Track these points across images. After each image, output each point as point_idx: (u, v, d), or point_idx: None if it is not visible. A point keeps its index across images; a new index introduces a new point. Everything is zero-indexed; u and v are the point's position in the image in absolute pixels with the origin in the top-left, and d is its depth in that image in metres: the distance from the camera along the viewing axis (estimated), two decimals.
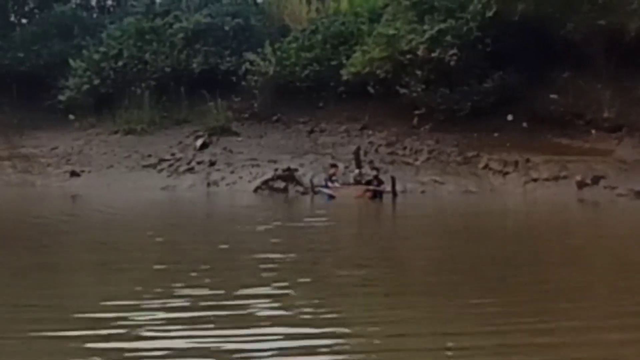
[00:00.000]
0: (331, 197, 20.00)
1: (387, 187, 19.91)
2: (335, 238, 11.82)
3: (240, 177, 22.71)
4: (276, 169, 22.08)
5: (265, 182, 21.78)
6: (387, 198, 19.49)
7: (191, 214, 16.49)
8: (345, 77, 23.62)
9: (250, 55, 25.90)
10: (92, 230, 12.84)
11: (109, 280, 7.58)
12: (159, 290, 6.71)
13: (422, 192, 20.61)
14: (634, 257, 9.19)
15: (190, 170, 23.67)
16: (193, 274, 7.53)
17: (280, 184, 21.60)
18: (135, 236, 11.79)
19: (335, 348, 4.86)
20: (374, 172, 20.16)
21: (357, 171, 20.73)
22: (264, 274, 7.53)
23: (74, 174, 24.70)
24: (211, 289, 6.72)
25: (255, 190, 21.59)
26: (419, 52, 22.27)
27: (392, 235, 12.58)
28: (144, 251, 9.70)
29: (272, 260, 8.49)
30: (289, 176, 21.70)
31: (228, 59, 26.90)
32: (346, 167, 21.58)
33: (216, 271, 7.87)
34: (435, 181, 21.05)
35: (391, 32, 23.05)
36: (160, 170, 23.94)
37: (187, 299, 6.26)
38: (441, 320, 5.70)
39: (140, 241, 10.93)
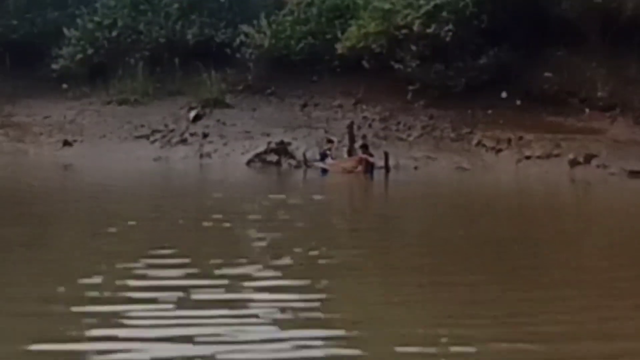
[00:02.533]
0: (325, 170, 20.04)
1: (380, 162, 19.95)
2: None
3: (233, 150, 22.70)
4: (269, 142, 22.05)
5: (258, 155, 21.77)
6: (379, 173, 19.53)
7: (182, 188, 16.46)
8: (340, 51, 23.49)
9: (246, 28, 25.72)
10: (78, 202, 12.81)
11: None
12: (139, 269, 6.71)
13: (415, 167, 20.64)
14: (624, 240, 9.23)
15: (183, 141, 23.64)
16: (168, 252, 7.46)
17: (273, 157, 21.59)
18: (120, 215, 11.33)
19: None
20: (362, 148, 20.17)
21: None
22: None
23: (66, 143, 24.64)
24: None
25: (248, 163, 21.59)
26: (415, 27, 22.17)
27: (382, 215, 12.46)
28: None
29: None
30: (282, 149, 21.69)
31: (223, 30, 26.72)
32: (339, 142, 21.57)
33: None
34: (428, 157, 21.07)
35: (387, 6, 22.92)
36: (153, 141, 23.90)
37: (169, 279, 6.19)
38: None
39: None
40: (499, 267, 6.85)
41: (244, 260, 6.95)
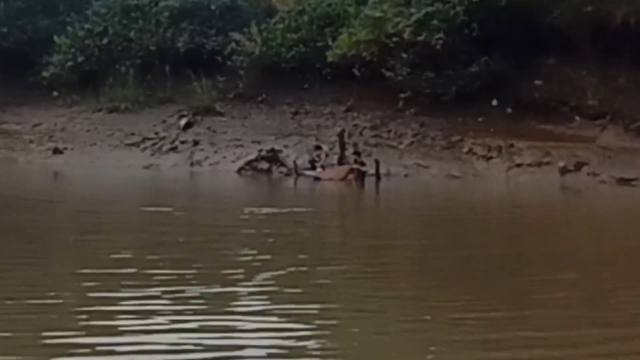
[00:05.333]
0: (317, 179, 20.03)
1: (371, 170, 19.96)
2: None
3: (224, 157, 22.66)
4: (260, 150, 22.02)
5: (249, 163, 21.73)
6: (370, 181, 19.52)
7: (172, 197, 16.35)
8: (330, 59, 23.51)
9: (236, 35, 25.74)
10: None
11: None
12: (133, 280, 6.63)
13: (406, 175, 20.63)
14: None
15: (174, 149, 23.58)
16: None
17: (264, 165, 21.56)
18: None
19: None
20: (355, 156, 20.20)
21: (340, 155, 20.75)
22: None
23: (56, 151, 24.55)
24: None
25: (239, 170, 21.55)
26: (405, 35, 22.21)
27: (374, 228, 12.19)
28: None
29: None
30: (273, 157, 21.65)
31: (214, 38, 26.72)
32: (330, 149, 21.56)
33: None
34: (419, 165, 21.07)
35: (378, 14, 22.96)
36: (144, 149, 23.84)
37: (164, 290, 6.10)
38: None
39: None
40: (491, 291, 6.45)
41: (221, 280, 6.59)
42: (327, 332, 5.06)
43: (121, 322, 5.12)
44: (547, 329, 5.17)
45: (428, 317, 5.41)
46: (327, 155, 21.11)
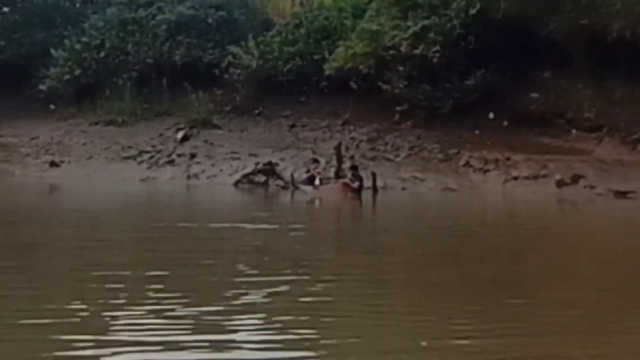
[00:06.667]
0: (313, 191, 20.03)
1: (368, 183, 19.97)
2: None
3: (221, 170, 22.66)
4: (257, 163, 22.02)
5: (246, 176, 21.73)
6: (367, 194, 19.51)
7: (169, 213, 16.31)
8: (327, 72, 23.57)
9: (233, 49, 25.80)
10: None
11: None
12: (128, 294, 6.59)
13: (403, 188, 20.61)
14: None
15: (171, 162, 23.58)
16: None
17: (261, 178, 21.56)
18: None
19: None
20: (352, 171, 20.20)
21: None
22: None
23: (53, 164, 24.57)
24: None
25: (236, 184, 21.54)
26: (402, 49, 22.25)
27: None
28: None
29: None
30: (270, 170, 21.65)
31: (211, 51, 26.80)
32: (327, 162, 21.57)
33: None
34: (416, 178, 21.06)
35: (374, 27, 23.02)
36: (140, 162, 23.84)
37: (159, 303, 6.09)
38: None
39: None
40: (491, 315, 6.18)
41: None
42: (323, 351, 5.03)
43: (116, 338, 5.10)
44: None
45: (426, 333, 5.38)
46: (323, 168, 21.08)
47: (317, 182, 20.48)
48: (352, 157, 21.54)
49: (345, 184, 19.86)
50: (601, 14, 20.62)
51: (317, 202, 18.69)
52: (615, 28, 20.34)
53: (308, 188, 20.37)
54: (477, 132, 22.17)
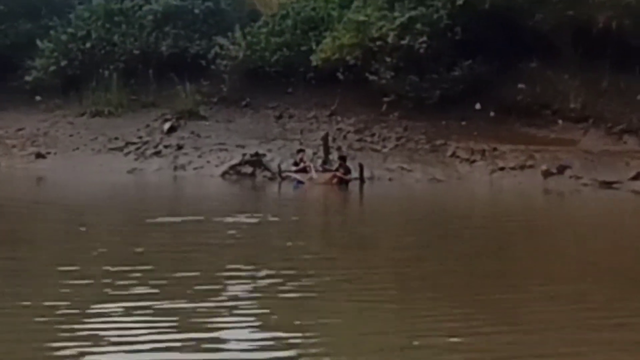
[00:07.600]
0: (300, 182, 20.03)
1: (355, 174, 20.01)
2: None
3: (208, 162, 22.62)
4: (244, 154, 22.00)
5: (233, 167, 21.72)
6: (354, 185, 19.55)
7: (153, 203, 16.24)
8: (314, 63, 23.52)
9: (220, 39, 25.71)
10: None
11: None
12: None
13: (390, 179, 20.66)
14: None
15: (158, 153, 23.51)
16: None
17: (248, 169, 21.55)
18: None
19: None
20: (340, 161, 20.23)
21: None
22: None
23: (39, 155, 24.44)
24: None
25: (223, 175, 21.53)
26: (389, 39, 22.25)
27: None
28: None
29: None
30: (257, 161, 21.64)
31: (197, 42, 26.67)
32: (314, 154, 21.58)
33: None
34: (403, 168, 21.11)
35: (361, 18, 23.00)
36: (127, 154, 23.75)
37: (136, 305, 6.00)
38: None
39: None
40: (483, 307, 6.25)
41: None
42: (311, 349, 5.04)
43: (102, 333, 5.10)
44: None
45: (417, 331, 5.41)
46: (310, 159, 21.06)
47: (313, 174, 20.31)
48: (339, 148, 21.57)
49: (334, 175, 19.88)
50: (587, 5, 20.72)
51: (304, 193, 18.71)
52: (602, 19, 20.46)
53: (295, 175, 20.33)
54: (463, 122, 22.23)
